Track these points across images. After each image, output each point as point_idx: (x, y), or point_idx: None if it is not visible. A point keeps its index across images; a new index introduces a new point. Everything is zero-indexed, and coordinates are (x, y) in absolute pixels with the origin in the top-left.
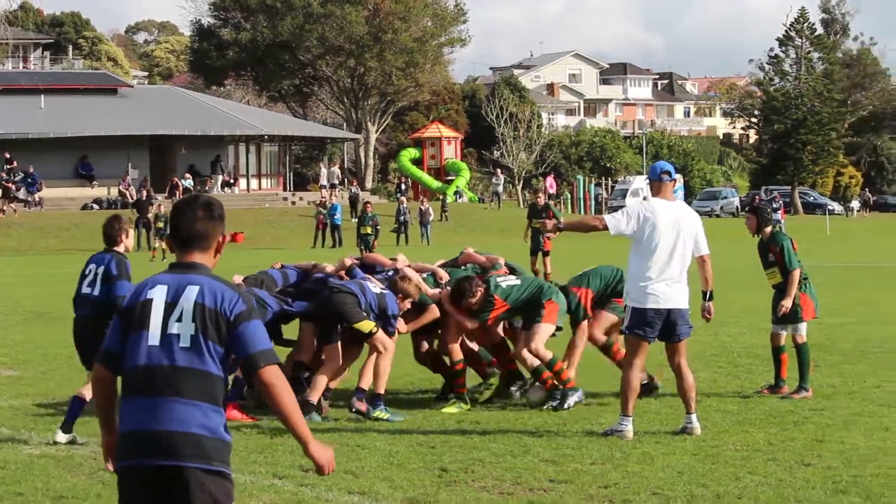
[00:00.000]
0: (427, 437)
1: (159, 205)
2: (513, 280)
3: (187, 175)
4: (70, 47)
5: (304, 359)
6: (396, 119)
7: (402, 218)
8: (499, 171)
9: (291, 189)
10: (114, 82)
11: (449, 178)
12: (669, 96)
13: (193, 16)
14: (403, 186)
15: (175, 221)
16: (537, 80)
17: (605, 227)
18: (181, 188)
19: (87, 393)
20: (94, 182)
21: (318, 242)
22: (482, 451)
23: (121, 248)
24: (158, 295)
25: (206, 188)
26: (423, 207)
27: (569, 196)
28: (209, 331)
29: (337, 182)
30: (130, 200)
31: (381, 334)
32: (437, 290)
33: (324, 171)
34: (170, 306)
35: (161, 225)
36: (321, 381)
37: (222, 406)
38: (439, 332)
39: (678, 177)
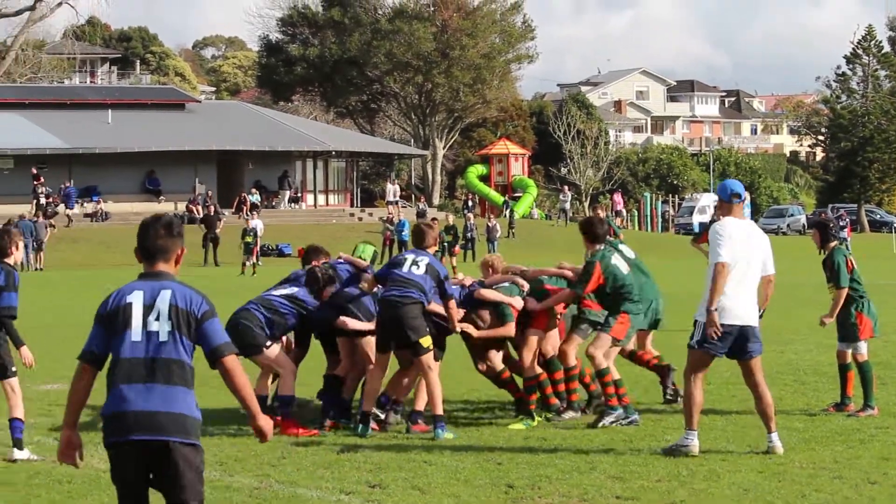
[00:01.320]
0: (493, 453)
1: (247, 220)
2: (622, 265)
3: (254, 190)
4: (137, 62)
5: (342, 372)
6: (464, 135)
7: (469, 234)
8: (566, 187)
9: (359, 205)
10: (181, 97)
11: (516, 194)
12: (736, 113)
13: (261, 31)
14: (470, 203)
15: (141, 238)
16: (604, 97)
17: (723, 268)
18: (249, 204)
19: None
20: (161, 197)
21: (385, 258)
22: (548, 467)
23: (10, 260)
24: (137, 299)
25: (274, 203)
26: (490, 224)
27: (636, 213)
28: (182, 327)
29: (394, 198)
30: (198, 216)
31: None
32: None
33: (390, 187)
34: (147, 308)
35: (249, 239)
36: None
37: (193, 389)
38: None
39: (745, 194)
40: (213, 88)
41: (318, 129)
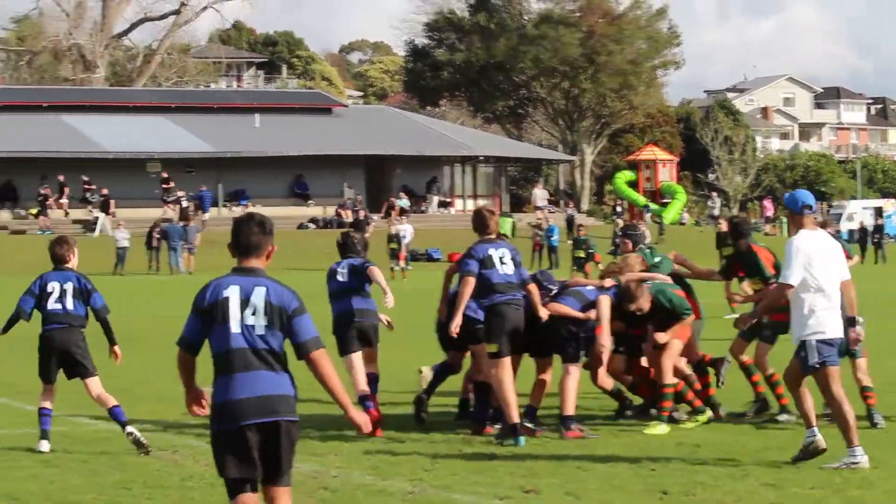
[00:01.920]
0: (648, 459)
1: (391, 225)
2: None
3: (402, 195)
4: (284, 67)
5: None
6: (612, 141)
7: (617, 240)
8: (714, 194)
9: (508, 210)
10: (328, 102)
11: (664, 200)
12: (883, 121)
13: (408, 36)
14: (619, 209)
15: (236, 235)
16: (751, 104)
17: (789, 287)
18: (397, 208)
19: (46, 402)
20: (310, 201)
21: (534, 264)
22: (702, 473)
23: (71, 265)
24: (233, 294)
25: (423, 208)
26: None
27: (784, 220)
28: (275, 322)
29: (543, 204)
30: (346, 220)
31: None
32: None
33: (538, 192)
34: (243, 303)
35: (395, 245)
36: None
37: (289, 371)
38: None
39: (892, 201)
40: (360, 93)
41: (465, 133)
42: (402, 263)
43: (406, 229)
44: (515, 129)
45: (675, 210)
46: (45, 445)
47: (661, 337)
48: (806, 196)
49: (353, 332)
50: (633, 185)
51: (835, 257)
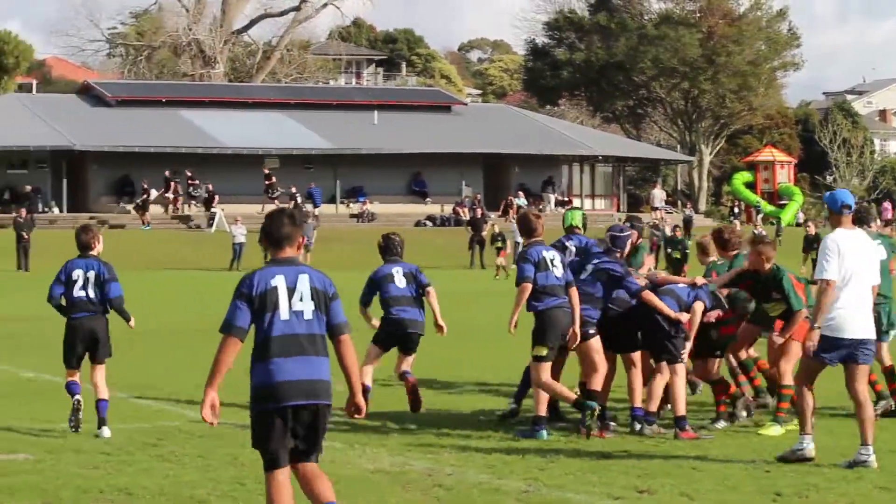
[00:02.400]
0: (762, 461)
1: (493, 224)
2: None
3: (520, 193)
4: (403, 64)
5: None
6: (730, 142)
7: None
8: None
9: (625, 210)
10: (447, 100)
11: (782, 201)
12: None
13: (527, 35)
14: (737, 210)
15: (269, 227)
16: (869, 106)
17: (829, 286)
18: (515, 207)
19: (104, 392)
20: (428, 199)
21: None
22: (816, 476)
23: (94, 253)
24: (280, 283)
25: (540, 207)
26: (756, 231)
27: None
28: (321, 306)
29: (661, 204)
30: (464, 218)
31: None
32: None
33: (656, 192)
34: (290, 290)
35: (500, 244)
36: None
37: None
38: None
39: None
40: (479, 91)
41: (584, 133)
42: (503, 261)
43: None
44: (634, 128)
45: (791, 212)
46: (76, 400)
47: (776, 339)
48: (845, 195)
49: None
50: (751, 186)
51: (870, 258)
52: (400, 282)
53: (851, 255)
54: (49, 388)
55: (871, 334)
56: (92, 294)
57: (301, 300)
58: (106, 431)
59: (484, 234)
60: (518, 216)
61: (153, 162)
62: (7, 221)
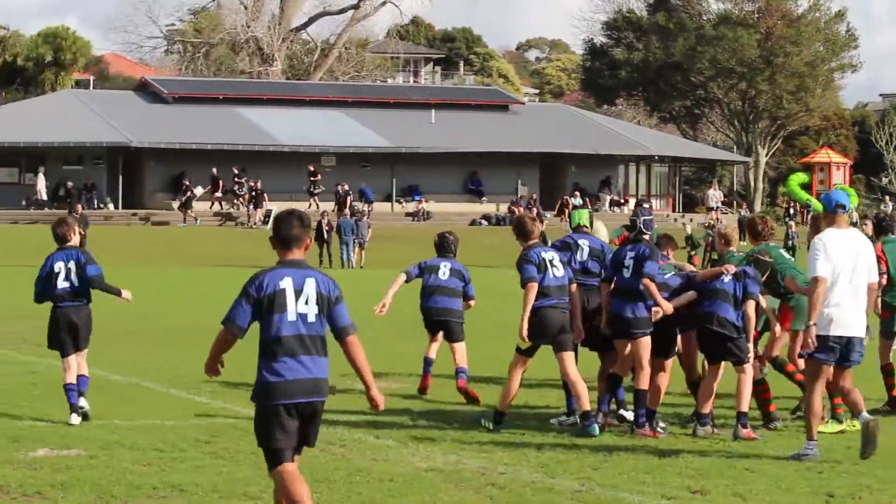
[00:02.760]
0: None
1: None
2: None
3: (576, 193)
4: (461, 63)
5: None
6: (786, 143)
7: (790, 242)
8: (887, 197)
9: (680, 210)
10: (505, 99)
11: None
12: None
13: (586, 35)
14: (792, 211)
15: (278, 229)
16: None
17: (820, 283)
18: (571, 206)
19: (71, 377)
20: (484, 198)
21: (706, 264)
22: (869, 477)
23: (73, 243)
24: (288, 285)
25: (596, 207)
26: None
27: None
28: (324, 309)
29: (716, 204)
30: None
31: None
32: None
33: (712, 193)
34: (297, 293)
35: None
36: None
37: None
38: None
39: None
40: (537, 90)
41: (641, 133)
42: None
43: None
44: (691, 129)
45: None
46: (74, 419)
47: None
48: (841, 196)
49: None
50: (807, 187)
51: (864, 256)
52: (444, 274)
53: (839, 254)
54: (101, 383)
55: (862, 332)
56: (76, 283)
57: (307, 303)
58: (83, 401)
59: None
60: (515, 220)
61: (210, 159)
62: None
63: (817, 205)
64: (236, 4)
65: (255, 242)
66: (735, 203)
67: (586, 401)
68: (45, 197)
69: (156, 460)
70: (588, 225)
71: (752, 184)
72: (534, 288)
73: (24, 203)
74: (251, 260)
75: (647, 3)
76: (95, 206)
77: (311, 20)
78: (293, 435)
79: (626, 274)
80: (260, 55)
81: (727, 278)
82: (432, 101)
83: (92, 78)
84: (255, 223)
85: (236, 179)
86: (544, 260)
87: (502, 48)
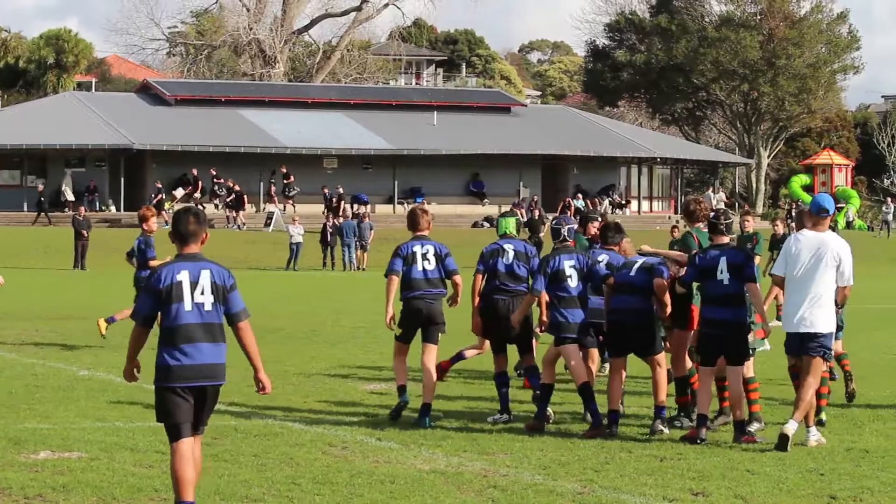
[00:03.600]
0: (816, 464)
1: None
2: None
3: (578, 195)
4: (463, 65)
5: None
6: (788, 145)
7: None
8: (889, 199)
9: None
10: (507, 101)
11: (839, 205)
12: None
13: (588, 36)
14: (794, 212)
15: (176, 225)
16: None
17: (777, 277)
18: (573, 208)
19: None
20: (486, 200)
21: None
22: (871, 479)
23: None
24: (185, 277)
25: (598, 209)
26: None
27: None
28: (219, 298)
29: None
30: (522, 220)
31: None
32: None
33: (709, 195)
34: (193, 284)
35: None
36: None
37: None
38: None
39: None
40: (539, 92)
41: (643, 135)
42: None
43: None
44: (693, 131)
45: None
46: None
47: None
48: (826, 201)
49: None
50: (809, 188)
51: (829, 260)
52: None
53: (807, 255)
54: (103, 385)
55: (819, 328)
56: None
57: (202, 293)
58: None
59: (542, 235)
60: (409, 211)
61: (212, 161)
62: (65, 220)
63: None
64: (238, 7)
65: (244, 243)
66: (737, 205)
67: (429, 393)
68: (71, 198)
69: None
70: (515, 233)
71: (754, 185)
72: (392, 281)
73: (38, 204)
74: (245, 262)
75: (649, 4)
76: (97, 209)
77: (314, 22)
78: (189, 413)
79: (572, 283)
80: (262, 57)
81: (633, 271)
82: (434, 103)
83: (94, 80)
84: (238, 225)
85: (215, 181)
86: (414, 253)
87: (504, 50)
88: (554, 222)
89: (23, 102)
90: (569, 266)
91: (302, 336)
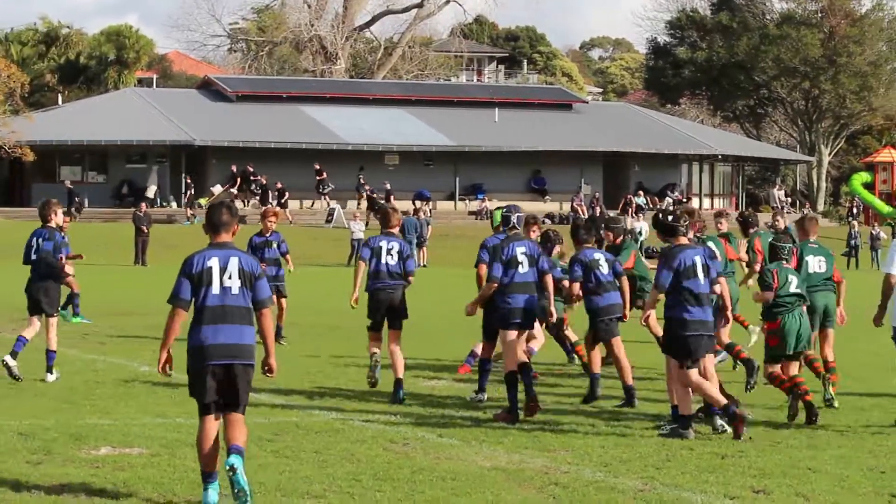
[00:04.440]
0: (878, 462)
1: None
2: None
3: (640, 192)
4: (524, 62)
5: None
6: (849, 142)
7: (852, 242)
8: None
9: (744, 209)
10: (568, 98)
11: None
12: None
13: (649, 34)
14: (855, 210)
15: (210, 217)
16: None
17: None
18: (634, 205)
19: (30, 334)
20: (547, 196)
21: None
22: None
23: (52, 224)
24: (214, 263)
25: (657, 206)
26: (874, 232)
27: None
28: (246, 283)
29: (778, 205)
30: (583, 216)
31: None
32: None
33: (775, 192)
34: (222, 270)
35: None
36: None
37: (254, 325)
38: None
39: None
40: (600, 89)
41: (704, 132)
42: None
43: (642, 227)
44: (754, 128)
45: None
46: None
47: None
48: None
49: None
50: (870, 186)
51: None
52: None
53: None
54: (164, 381)
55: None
56: (45, 257)
57: (230, 278)
58: (49, 377)
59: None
60: (383, 211)
61: (273, 157)
62: (125, 215)
63: (882, 206)
64: (300, 3)
65: (306, 239)
66: (798, 202)
67: (399, 370)
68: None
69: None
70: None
71: (815, 183)
72: (360, 266)
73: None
74: (305, 258)
75: (710, 2)
76: (158, 205)
77: (375, 19)
78: (215, 391)
79: (522, 270)
80: (323, 54)
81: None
82: (496, 100)
83: (155, 76)
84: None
85: (252, 178)
86: (380, 248)
87: (566, 47)
88: (504, 210)
89: (83, 98)
90: (521, 253)
91: (363, 332)
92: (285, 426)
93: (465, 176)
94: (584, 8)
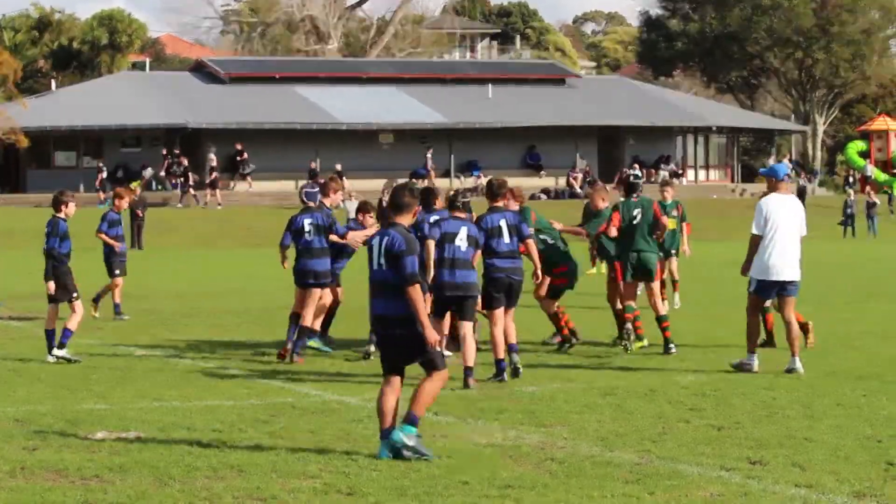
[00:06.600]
0: (874, 431)
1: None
2: None
3: (635, 165)
4: (517, 37)
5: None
6: (843, 111)
7: (848, 211)
8: None
9: (739, 180)
10: (562, 73)
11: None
12: None
13: (642, 7)
14: (851, 179)
15: (391, 197)
16: None
17: (757, 237)
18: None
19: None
20: (542, 172)
21: None
22: None
23: (61, 214)
24: (376, 242)
25: (652, 180)
26: (870, 200)
27: None
28: (390, 261)
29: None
30: (579, 191)
31: None
32: None
33: (769, 163)
34: (377, 247)
35: None
36: None
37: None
38: None
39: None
40: (594, 64)
41: (698, 104)
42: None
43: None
44: (748, 99)
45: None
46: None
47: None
48: (784, 168)
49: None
50: (865, 155)
51: (795, 216)
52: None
53: (777, 215)
54: (160, 366)
55: (794, 276)
56: (56, 245)
57: (381, 257)
58: (50, 358)
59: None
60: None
61: (267, 138)
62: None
63: (880, 175)
64: None
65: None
66: (794, 172)
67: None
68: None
69: (214, 441)
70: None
71: (811, 153)
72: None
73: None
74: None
75: None
76: (154, 188)
77: None
78: (386, 354)
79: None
80: (316, 34)
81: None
82: (489, 77)
83: (148, 60)
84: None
85: (240, 158)
86: (302, 227)
87: (558, 22)
88: (451, 194)
89: (77, 84)
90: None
91: (360, 313)
92: (281, 407)
93: (460, 153)
94: None
